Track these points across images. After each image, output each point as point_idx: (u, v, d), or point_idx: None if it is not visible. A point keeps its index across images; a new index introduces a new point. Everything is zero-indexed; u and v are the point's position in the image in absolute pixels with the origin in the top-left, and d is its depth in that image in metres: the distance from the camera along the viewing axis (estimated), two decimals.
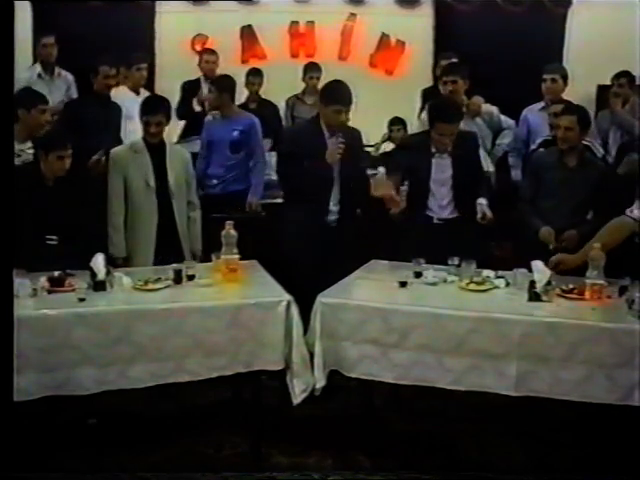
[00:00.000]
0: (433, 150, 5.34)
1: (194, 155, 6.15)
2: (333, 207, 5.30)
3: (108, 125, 6.39)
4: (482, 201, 5.31)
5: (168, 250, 5.15)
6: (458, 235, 5.17)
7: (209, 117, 6.83)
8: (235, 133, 6.56)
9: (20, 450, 3.54)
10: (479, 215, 5.26)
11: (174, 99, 7.46)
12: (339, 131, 5.18)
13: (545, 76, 6.44)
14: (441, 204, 5.41)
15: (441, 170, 5.36)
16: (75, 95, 7.41)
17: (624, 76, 6.96)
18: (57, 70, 7.46)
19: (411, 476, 4.19)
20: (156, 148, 5.35)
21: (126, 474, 4.19)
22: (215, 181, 6.60)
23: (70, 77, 7.51)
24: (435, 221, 5.39)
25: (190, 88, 7.73)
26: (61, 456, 4.28)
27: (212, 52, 8.05)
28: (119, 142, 6.03)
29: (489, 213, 5.26)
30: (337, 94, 5.31)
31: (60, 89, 7.39)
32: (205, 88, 7.64)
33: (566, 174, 5.18)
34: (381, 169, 6.71)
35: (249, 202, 6.50)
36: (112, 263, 4.73)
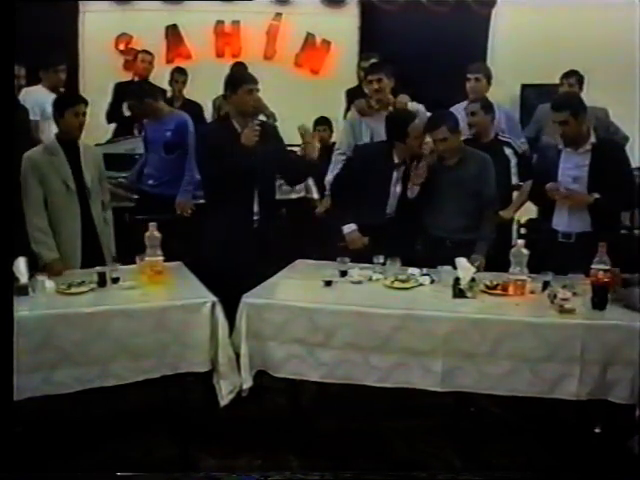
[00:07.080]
0: None
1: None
2: (255, 207, 5.13)
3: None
4: None
5: (90, 253, 5.03)
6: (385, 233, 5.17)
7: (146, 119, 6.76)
8: (168, 134, 6.46)
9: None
10: None
11: (101, 99, 7.42)
12: (254, 116, 5.11)
13: (469, 75, 6.48)
14: None
15: None
16: None
17: (573, 75, 7.03)
18: None
19: (342, 476, 4.17)
20: (71, 148, 5.12)
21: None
22: (151, 181, 6.50)
23: None
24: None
25: (123, 91, 7.63)
26: None
27: (147, 52, 8.02)
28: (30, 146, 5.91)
29: None
30: (244, 74, 5.36)
31: None
32: None
33: (445, 172, 5.22)
34: None
35: (178, 202, 6.32)
36: (48, 268, 4.69)
